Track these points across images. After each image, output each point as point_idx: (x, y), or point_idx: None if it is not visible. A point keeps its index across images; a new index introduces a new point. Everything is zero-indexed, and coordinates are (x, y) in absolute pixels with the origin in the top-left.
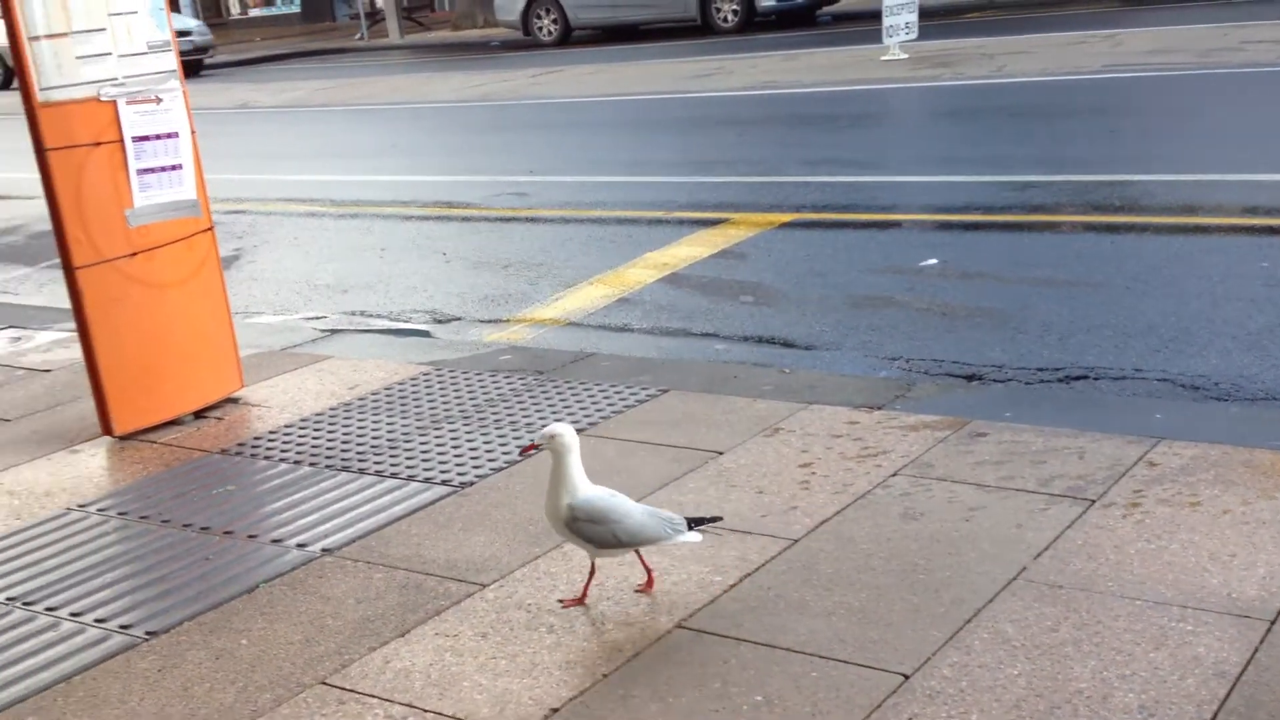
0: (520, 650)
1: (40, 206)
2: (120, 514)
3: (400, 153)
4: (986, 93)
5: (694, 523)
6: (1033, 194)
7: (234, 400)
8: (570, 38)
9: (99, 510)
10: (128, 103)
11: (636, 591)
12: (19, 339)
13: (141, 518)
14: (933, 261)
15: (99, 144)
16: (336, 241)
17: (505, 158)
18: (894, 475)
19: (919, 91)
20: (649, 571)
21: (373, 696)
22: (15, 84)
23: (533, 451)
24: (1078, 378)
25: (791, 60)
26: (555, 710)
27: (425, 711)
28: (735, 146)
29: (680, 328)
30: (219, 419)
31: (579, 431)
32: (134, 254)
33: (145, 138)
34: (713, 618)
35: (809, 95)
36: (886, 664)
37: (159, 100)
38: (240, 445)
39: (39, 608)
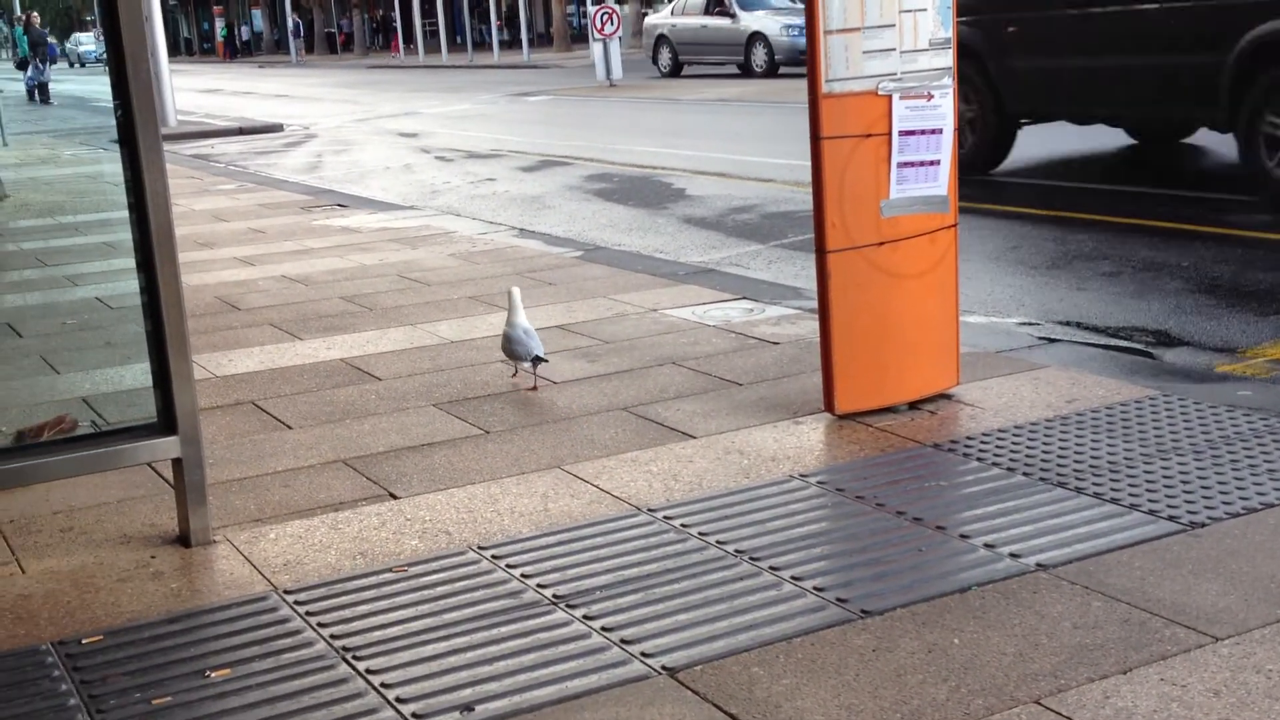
0: (1259, 717)
1: (772, 189)
2: (838, 490)
3: (1134, 163)
4: None
5: (536, 360)
6: None
7: (947, 396)
8: None
9: (818, 482)
10: (901, 97)
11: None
12: (751, 310)
13: (857, 497)
14: None
15: (869, 136)
16: (1053, 250)
17: None
18: None
19: None
20: (535, 381)
21: None
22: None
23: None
24: None
25: None
26: None
27: None
28: None
29: None
30: (932, 413)
31: None
32: (881, 243)
33: (911, 132)
34: None
35: None
36: None
37: (930, 97)
38: (953, 442)
39: (764, 565)
